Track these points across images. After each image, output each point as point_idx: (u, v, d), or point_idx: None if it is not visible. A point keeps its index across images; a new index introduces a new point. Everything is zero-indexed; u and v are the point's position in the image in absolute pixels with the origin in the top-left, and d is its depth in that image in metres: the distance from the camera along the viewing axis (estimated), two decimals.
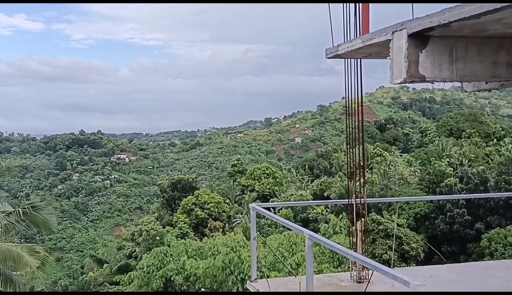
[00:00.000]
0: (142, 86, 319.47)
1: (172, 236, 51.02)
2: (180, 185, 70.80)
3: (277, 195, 66.12)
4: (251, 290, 8.56)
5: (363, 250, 8.90)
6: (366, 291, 8.08)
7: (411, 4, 5.44)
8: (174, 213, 64.99)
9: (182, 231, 57.32)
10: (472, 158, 60.72)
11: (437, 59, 4.71)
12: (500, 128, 78.09)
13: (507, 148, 60.38)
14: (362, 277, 8.75)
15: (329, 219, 51.07)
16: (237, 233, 46.03)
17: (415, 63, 4.68)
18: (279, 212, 62.34)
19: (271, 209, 60.03)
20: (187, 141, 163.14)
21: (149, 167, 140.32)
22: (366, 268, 8.85)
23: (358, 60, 7.95)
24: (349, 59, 8.22)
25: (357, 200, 9.12)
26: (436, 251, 36.28)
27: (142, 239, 53.53)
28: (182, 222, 59.75)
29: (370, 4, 7.17)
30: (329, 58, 6.10)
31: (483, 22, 4.19)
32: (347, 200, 9.31)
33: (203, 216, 61.19)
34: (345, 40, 6.67)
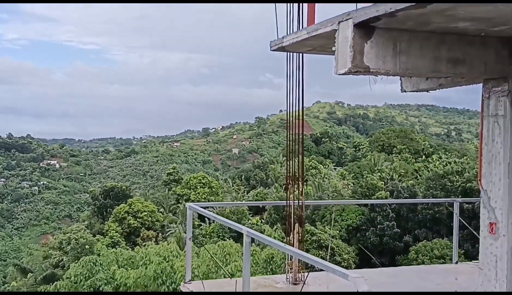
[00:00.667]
0: (77, 91, 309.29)
1: (103, 245, 49.31)
2: (113, 193, 68.84)
3: (213, 207, 65.59)
4: (184, 291, 8.28)
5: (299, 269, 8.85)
6: (302, 291, 8.00)
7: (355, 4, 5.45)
8: (106, 222, 63.03)
9: (113, 240, 55.60)
10: (402, 173, 63.01)
11: (381, 51, 4.71)
12: (429, 146, 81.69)
13: (435, 164, 63.11)
14: (298, 278, 8.68)
15: (264, 230, 51.23)
16: (170, 242, 45.12)
17: (360, 54, 4.64)
18: (214, 223, 61.95)
19: (206, 220, 59.58)
20: (122, 149, 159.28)
21: (80, 174, 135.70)
22: (302, 270, 8.83)
23: (300, 73, 7.95)
24: (291, 69, 8.29)
25: (295, 202, 9.13)
26: (372, 256, 37.19)
27: (71, 248, 51.41)
28: (114, 231, 57.99)
29: (316, 4, 7.17)
30: (274, 50, 5.98)
31: (428, 14, 4.21)
32: (286, 201, 9.27)
33: (135, 225, 59.71)
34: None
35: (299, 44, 5.57)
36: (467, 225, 10.10)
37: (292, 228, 9.07)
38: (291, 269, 8.90)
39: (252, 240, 6.33)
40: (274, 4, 7.11)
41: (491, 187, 5.29)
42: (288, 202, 9.20)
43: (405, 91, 6.47)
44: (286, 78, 8.41)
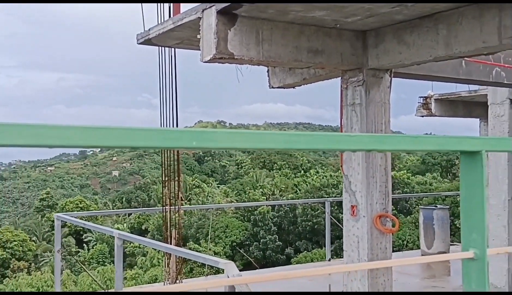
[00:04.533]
0: None
1: None
2: None
3: (92, 231, 62.56)
4: None
5: (178, 275, 8.69)
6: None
7: None
8: None
9: None
10: (283, 188, 65.07)
11: (245, 39, 4.82)
12: (307, 161, 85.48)
13: (312, 178, 66.00)
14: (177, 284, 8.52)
15: (147, 252, 49.65)
16: (44, 272, 41.94)
17: (224, 41, 4.71)
18: (93, 248, 59.16)
19: (85, 246, 56.53)
20: None
21: None
22: (179, 276, 8.68)
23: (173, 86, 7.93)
24: (164, 84, 8.26)
25: (172, 207, 9.03)
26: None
27: None
28: None
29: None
30: (140, 43, 5.87)
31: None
32: (162, 207, 9.13)
33: (4, 256, 54.97)
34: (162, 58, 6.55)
35: (166, 35, 5.52)
36: (337, 223, 10.62)
37: (169, 233, 8.92)
38: (169, 275, 8.73)
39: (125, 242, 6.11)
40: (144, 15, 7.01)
41: (351, 172, 5.61)
42: (164, 207, 9.06)
43: (272, 87, 6.68)
44: (159, 97, 8.38)
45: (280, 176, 73.01)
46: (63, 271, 35.97)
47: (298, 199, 58.14)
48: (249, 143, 0.84)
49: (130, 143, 0.80)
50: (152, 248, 49.93)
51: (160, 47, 8.15)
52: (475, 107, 11.75)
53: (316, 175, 70.10)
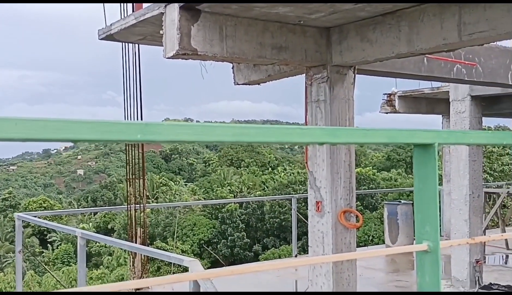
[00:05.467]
0: None
1: None
2: None
3: (56, 231, 61.38)
4: None
5: (143, 273, 8.60)
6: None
7: None
8: None
9: None
10: (251, 185, 65.10)
11: (208, 35, 4.77)
12: (274, 158, 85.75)
13: (280, 176, 66.29)
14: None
15: (113, 251, 48.99)
16: (7, 273, 41.00)
17: (188, 36, 4.66)
18: (58, 248, 58.15)
19: (49, 246, 55.53)
20: None
21: None
22: (145, 275, 8.58)
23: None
24: (127, 79, 8.16)
25: (136, 205, 8.94)
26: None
27: None
28: None
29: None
30: (102, 39, 5.75)
31: None
32: (127, 205, 9.02)
33: None
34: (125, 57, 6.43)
35: (128, 31, 5.42)
36: (304, 219, 10.67)
37: (134, 232, 8.81)
38: (134, 274, 8.63)
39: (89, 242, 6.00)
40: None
41: (316, 168, 5.63)
42: (129, 205, 8.95)
43: (237, 84, 6.65)
44: (123, 94, 8.34)
45: (248, 173, 73.04)
46: (27, 272, 35.14)
47: (265, 196, 58.33)
48: (196, 136, 0.81)
49: (71, 136, 0.77)
50: (119, 248, 49.34)
51: (124, 44, 8.02)
52: (438, 104, 11.99)
53: (283, 172, 70.48)
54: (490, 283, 8.70)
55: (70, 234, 55.94)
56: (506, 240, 11.58)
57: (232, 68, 6.68)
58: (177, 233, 50.68)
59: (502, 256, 11.18)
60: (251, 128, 0.86)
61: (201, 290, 3.85)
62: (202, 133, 0.82)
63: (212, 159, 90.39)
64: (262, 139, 0.87)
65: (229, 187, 65.42)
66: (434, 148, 1.07)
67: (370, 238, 35.46)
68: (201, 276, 3.20)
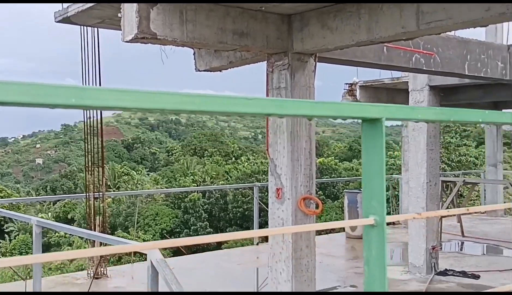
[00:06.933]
0: None
1: None
2: None
3: (13, 220, 59.84)
4: None
5: (101, 262, 8.48)
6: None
7: None
8: None
9: None
10: (214, 175, 64.93)
11: (168, 18, 4.69)
12: (238, 148, 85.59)
13: (243, 165, 66.28)
14: (99, 272, 8.31)
15: (73, 241, 48.23)
16: None
17: (147, 20, 4.57)
18: (15, 239, 56.70)
19: (6, 236, 54.24)
20: None
21: None
22: (102, 264, 8.47)
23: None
24: (87, 64, 8.01)
25: (96, 194, 8.81)
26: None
27: None
28: None
29: None
30: (58, 22, 5.58)
31: None
32: (85, 194, 8.87)
33: None
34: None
35: (86, 14, 5.28)
36: (266, 208, 10.71)
37: (93, 221, 8.67)
38: (92, 263, 8.51)
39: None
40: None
41: (277, 155, 5.65)
42: (88, 194, 8.81)
43: (199, 71, 6.58)
44: (82, 81, 8.26)
45: (211, 163, 72.77)
46: None
47: (229, 185, 58.30)
48: (137, 103, 0.78)
49: None
50: (79, 237, 48.51)
51: (82, 28, 7.82)
52: (398, 94, 12.20)
53: (247, 161, 70.49)
54: (446, 269, 8.96)
55: (27, 224, 54.57)
56: (461, 227, 11.93)
57: (194, 54, 6.61)
58: (138, 222, 50.17)
59: (458, 243, 11.53)
60: (196, 97, 0.84)
61: (160, 278, 3.81)
62: (143, 100, 0.79)
63: (175, 148, 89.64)
64: (206, 108, 0.85)
65: (192, 177, 65.06)
66: (381, 123, 1.07)
67: None
68: (146, 247, 3.16)
